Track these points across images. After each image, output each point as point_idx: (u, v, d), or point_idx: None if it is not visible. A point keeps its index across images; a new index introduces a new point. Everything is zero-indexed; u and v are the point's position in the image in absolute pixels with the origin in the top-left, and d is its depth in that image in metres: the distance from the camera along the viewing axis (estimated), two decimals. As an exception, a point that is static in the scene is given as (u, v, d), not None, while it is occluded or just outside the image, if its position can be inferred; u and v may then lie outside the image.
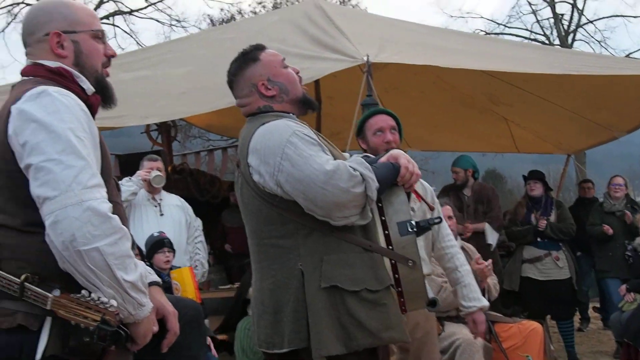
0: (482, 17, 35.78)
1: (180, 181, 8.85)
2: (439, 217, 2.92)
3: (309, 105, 3.02)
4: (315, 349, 2.64)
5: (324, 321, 2.65)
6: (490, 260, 5.43)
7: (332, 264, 2.70)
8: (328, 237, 2.73)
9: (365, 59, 5.70)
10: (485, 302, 4.30)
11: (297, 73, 3.03)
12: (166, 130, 9.59)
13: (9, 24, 23.20)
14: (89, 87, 2.35)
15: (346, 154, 3.12)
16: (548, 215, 7.64)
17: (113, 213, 2.09)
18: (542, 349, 5.50)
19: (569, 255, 7.65)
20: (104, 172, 2.21)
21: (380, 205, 2.80)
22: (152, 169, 6.08)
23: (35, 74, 2.32)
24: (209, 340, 5.83)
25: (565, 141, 9.91)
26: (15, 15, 23.11)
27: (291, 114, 2.94)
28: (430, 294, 2.90)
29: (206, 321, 6.08)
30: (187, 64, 6.93)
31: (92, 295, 2.05)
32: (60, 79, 2.29)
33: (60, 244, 1.99)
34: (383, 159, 2.88)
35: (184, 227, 6.26)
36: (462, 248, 5.74)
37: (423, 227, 2.80)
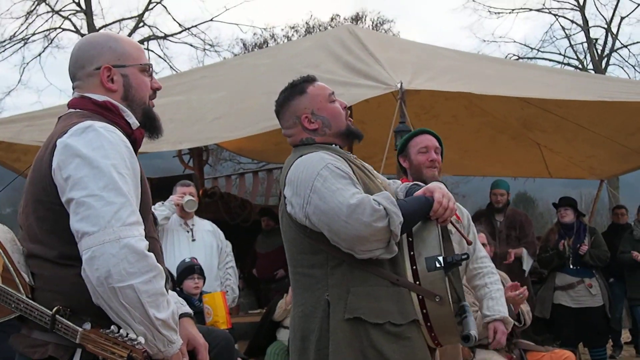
0: (514, 42, 35.56)
1: (211, 205, 8.89)
2: (467, 254, 2.89)
3: (353, 136, 3.07)
4: None
5: (344, 352, 2.68)
6: (524, 288, 5.36)
7: (358, 295, 2.73)
8: (356, 270, 2.75)
9: (398, 85, 5.71)
10: (507, 315, 4.22)
11: (344, 108, 3.07)
12: (198, 153, 9.66)
13: (45, 48, 23.59)
14: (134, 122, 2.37)
15: (390, 182, 3.17)
16: (581, 242, 7.56)
17: (149, 249, 2.10)
18: (575, 377, 5.44)
19: (602, 282, 7.57)
20: (143, 209, 2.23)
21: (410, 240, 2.81)
22: (184, 194, 6.13)
23: (82, 106, 2.34)
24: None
25: (598, 166, 9.83)
26: (52, 40, 23.53)
27: (334, 145, 3.00)
28: (471, 330, 2.88)
29: (236, 345, 6.09)
30: (221, 89, 7.00)
31: (121, 331, 2.06)
32: (107, 112, 2.31)
33: (96, 280, 2.01)
34: (419, 192, 2.90)
35: (216, 252, 6.30)
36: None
37: (451, 263, 2.77)
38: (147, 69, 2.44)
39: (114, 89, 2.36)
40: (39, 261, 2.19)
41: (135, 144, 2.35)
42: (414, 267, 2.78)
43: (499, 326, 4.17)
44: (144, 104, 2.42)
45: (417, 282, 2.77)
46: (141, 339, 2.06)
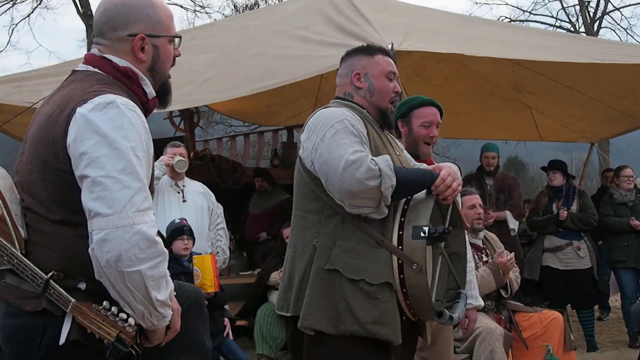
0: (507, 4, 35.43)
1: (202, 167, 8.87)
2: (448, 229, 2.93)
3: (385, 119, 3.17)
4: (301, 319, 2.84)
5: (317, 297, 2.83)
6: (512, 254, 5.40)
7: (342, 249, 2.85)
8: (347, 223, 2.87)
9: (389, 46, 5.68)
10: (480, 302, 4.20)
11: (395, 92, 3.17)
12: (189, 116, 9.61)
13: (34, 9, 23.31)
14: (151, 92, 2.36)
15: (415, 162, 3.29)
16: (570, 204, 7.60)
17: None
18: (562, 338, 5.51)
19: (591, 244, 7.62)
20: (150, 183, 2.23)
21: (406, 207, 2.88)
22: (175, 155, 6.12)
23: (101, 67, 2.29)
24: (227, 325, 5.89)
25: (589, 129, 9.84)
26: (40, 1, 23.25)
27: (365, 110, 3.10)
28: (455, 313, 2.95)
29: (226, 307, 6.13)
30: (211, 51, 6.95)
31: (113, 308, 2.09)
32: (126, 79, 2.29)
33: (105, 262, 2.02)
34: (428, 167, 3.02)
35: (206, 213, 6.30)
36: (485, 238, 5.73)
37: (433, 235, 2.81)
38: (175, 40, 2.41)
39: (144, 59, 2.33)
40: (37, 216, 2.19)
41: (147, 113, 2.34)
42: (400, 232, 2.85)
43: (471, 315, 4.19)
44: (166, 76, 2.41)
45: (400, 247, 2.84)
46: (131, 321, 2.09)
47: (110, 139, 2.07)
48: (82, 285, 2.12)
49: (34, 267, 2.12)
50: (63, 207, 2.14)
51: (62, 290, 2.09)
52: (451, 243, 3.15)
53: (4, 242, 2.16)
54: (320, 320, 2.81)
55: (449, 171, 2.93)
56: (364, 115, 3.05)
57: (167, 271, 2.16)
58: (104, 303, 2.09)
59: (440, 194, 2.90)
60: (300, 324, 2.84)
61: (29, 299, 2.14)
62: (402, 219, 2.86)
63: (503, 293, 5.45)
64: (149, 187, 2.20)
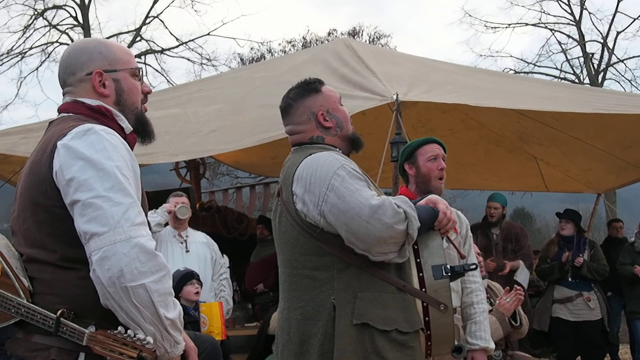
0: (511, 56, 35.57)
1: (208, 218, 8.86)
2: (475, 264, 2.91)
3: (356, 144, 3.11)
4: None
5: (349, 357, 2.66)
6: (519, 288, 5.34)
7: (365, 301, 2.72)
8: (363, 273, 2.75)
9: (394, 97, 5.71)
10: (491, 345, 4.15)
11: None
12: (195, 167, 9.65)
13: (42, 62, 23.61)
14: (127, 126, 2.39)
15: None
16: (581, 254, 7.54)
17: None
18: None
19: (601, 296, 7.55)
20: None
21: (415, 247, 2.81)
22: (177, 203, 6.13)
23: (75, 110, 2.34)
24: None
25: (595, 180, 9.82)
26: (49, 54, 23.57)
27: (338, 149, 3.01)
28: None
29: (231, 357, 6.06)
30: (217, 102, 7.00)
31: (129, 331, 2.06)
32: (101, 117, 2.32)
33: (107, 280, 2.00)
34: (422, 202, 2.91)
35: (210, 263, 6.28)
36: (489, 286, 5.67)
37: (457, 272, 2.80)
38: (137, 73, 2.45)
39: (106, 93, 2.37)
40: (38, 265, 2.18)
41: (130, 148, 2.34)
42: (420, 274, 2.79)
43: (479, 356, 4.12)
44: (136, 108, 2.43)
45: (423, 290, 2.78)
46: (149, 339, 2.07)
47: (94, 161, 2.09)
48: (92, 328, 2.10)
49: (43, 310, 2.10)
50: (61, 243, 2.14)
51: (75, 325, 2.07)
52: None
53: (9, 294, 2.15)
54: None
55: (445, 203, 2.89)
56: (344, 156, 2.96)
57: (173, 291, 2.14)
58: (119, 328, 2.07)
59: (443, 227, 2.85)
60: None
61: (37, 351, 2.11)
62: (418, 260, 2.80)
63: (512, 322, 5.36)
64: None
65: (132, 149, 2.38)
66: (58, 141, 2.16)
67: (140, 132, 2.45)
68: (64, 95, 2.43)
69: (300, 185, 2.80)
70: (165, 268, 2.09)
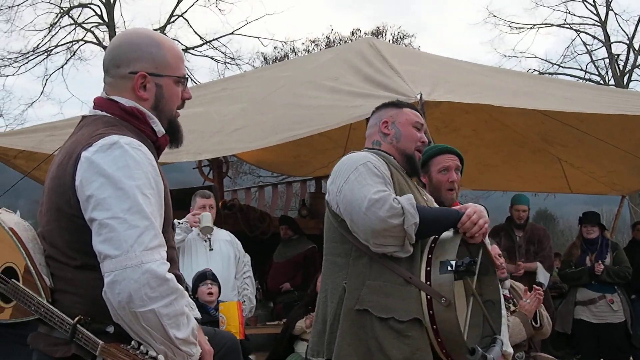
0: (535, 57, 35.34)
1: (230, 217, 8.88)
2: (475, 260, 2.92)
3: (412, 166, 3.26)
4: None
5: (349, 338, 2.87)
6: (539, 288, 5.31)
7: (371, 289, 2.91)
8: (375, 263, 2.93)
9: (418, 97, 5.69)
10: (510, 350, 4.14)
11: (422, 142, 3.28)
12: (218, 166, 9.68)
13: (67, 60, 23.82)
14: (160, 130, 2.35)
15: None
16: (604, 258, 7.48)
17: (168, 258, 2.11)
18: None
19: (624, 298, 7.48)
20: (166, 222, 2.23)
21: (433, 245, 2.92)
22: (204, 207, 6.08)
23: (108, 109, 2.30)
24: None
25: (619, 182, 9.75)
26: (74, 52, 23.77)
27: (392, 157, 3.19)
28: (490, 354, 2.90)
29: (252, 357, 6.07)
30: (241, 101, 7.01)
31: (142, 347, 2.07)
32: (133, 119, 2.29)
33: (117, 304, 2.01)
34: (456, 207, 3.09)
35: (233, 262, 6.29)
36: (512, 287, 5.66)
37: (462, 270, 2.83)
38: (182, 81, 2.40)
39: (145, 97, 2.32)
40: (59, 264, 2.20)
41: (159, 150, 2.35)
42: (428, 268, 2.90)
43: None
44: (171, 115, 2.39)
45: (428, 283, 2.87)
46: (161, 358, 2.07)
47: (114, 179, 2.07)
48: (111, 329, 2.11)
49: (61, 314, 2.12)
50: (80, 252, 2.14)
51: (90, 334, 2.08)
52: (485, 290, 3.16)
53: (30, 292, 2.18)
54: None
55: (475, 209, 2.98)
56: (390, 161, 3.12)
57: (185, 308, 2.13)
58: (132, 342, 2.08)
59: (467, 231, 2.94)
60: None
61: (58, 346, 2.13)
62: (430, 256, 2.90)
63: (533, 323, 5.34)
64: (166, 224, 2.20)
65: (162, 150, 2.39)
66: (83, 151, 2.13)
67: (170, 137, 2.41)
68: (104, 83, 2.38)
69: (331, 178, 3.08)
70: (177, 291, 2.08)
